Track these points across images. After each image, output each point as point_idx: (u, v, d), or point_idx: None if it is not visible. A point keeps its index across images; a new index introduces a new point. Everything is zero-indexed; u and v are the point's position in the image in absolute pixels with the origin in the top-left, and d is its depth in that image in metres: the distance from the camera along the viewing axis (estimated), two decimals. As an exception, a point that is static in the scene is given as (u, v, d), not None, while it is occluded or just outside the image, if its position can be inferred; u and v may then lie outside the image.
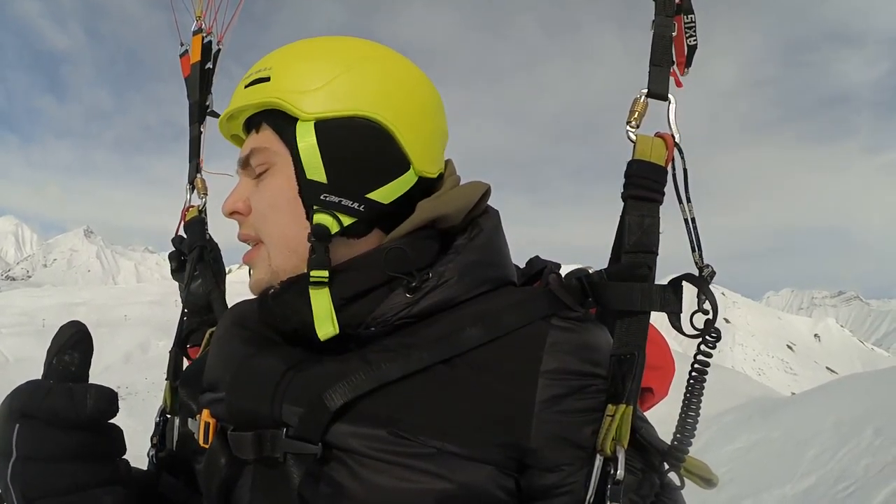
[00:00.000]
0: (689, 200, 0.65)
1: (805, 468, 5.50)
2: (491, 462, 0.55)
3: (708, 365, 0.58)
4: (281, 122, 0.64)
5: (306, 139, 0.62)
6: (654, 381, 0.96)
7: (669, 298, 0.57)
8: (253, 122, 0.68)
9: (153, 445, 0.80)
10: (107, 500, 0.57)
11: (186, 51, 1.19)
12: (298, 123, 0.63)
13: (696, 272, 0.61)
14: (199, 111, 1.13)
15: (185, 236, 1.10)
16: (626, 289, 0.59)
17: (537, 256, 0.83)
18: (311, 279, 0.60)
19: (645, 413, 1.01)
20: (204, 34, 1.17)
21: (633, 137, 0.65)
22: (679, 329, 0.58)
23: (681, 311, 0.57)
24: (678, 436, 0.57)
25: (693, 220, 0.66)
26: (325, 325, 0.59)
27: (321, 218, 0.62)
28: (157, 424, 0.82)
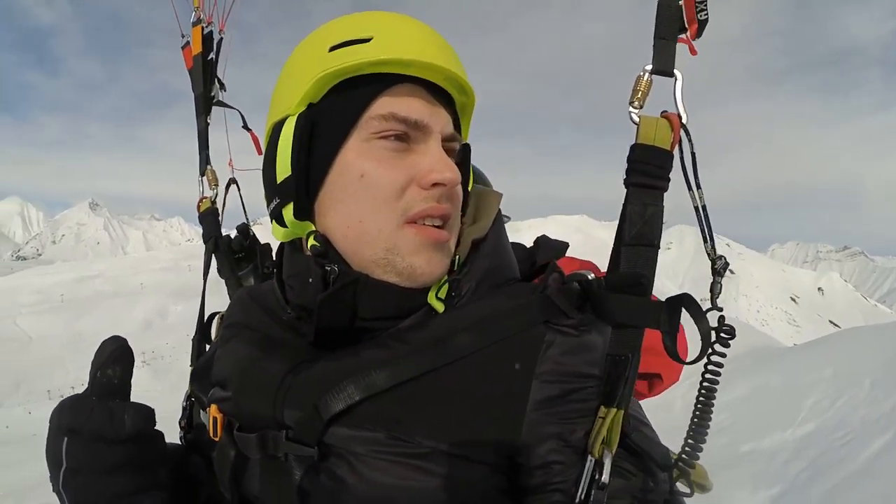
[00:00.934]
0: (699, 187, 0.61)
1: (804, 416, 5.64)
2: (484, 462, 0.56)
3: (719, 375, 0.56)
4: (455, 110, 0.69)
5: (470, 159, 0.71)
6: (662, 367, 0.92)
7: (664, 318, 0.55)
8: (442, 95, 0.66)
9: (182, 428, 0.83)
10: None
11: (188, 42, 1.16)
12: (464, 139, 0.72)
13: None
14: (205, 103, 1.12)
15: (235, 234, 1.11)
16: (623, 302, 0.57)
17: (544, 236, 0.83)
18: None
19: (655, 396, 1.00)
20: (204, 24, 1.15)
21: (636, 119, 0.60)
22: (671, 351, 0.55)
23: (676, 331, 0.55)
24: (690, 442, 0.56)
25: (704, 207, 0.61)
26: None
27: None
28: (183, 409, 0.84)
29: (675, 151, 0.60)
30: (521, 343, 0.60)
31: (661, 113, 0.62)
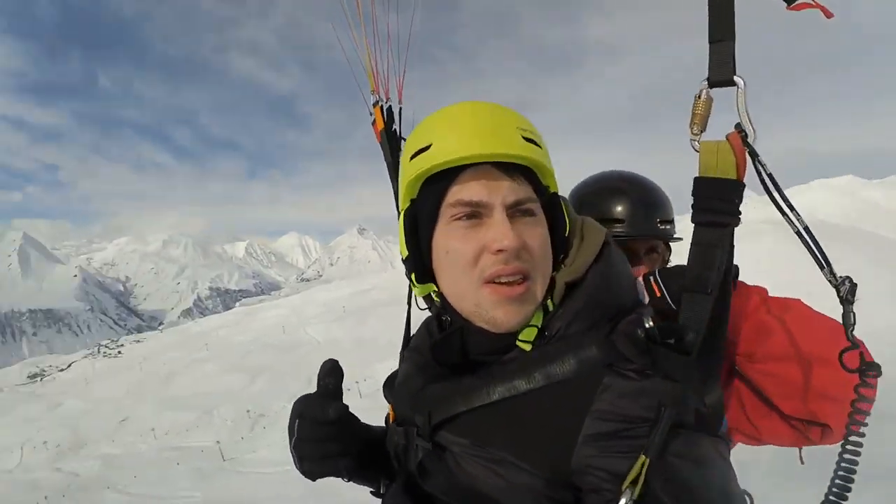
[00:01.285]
0: (792, 209, 0.54)
1: None
2: (539, 475, 0.70)
3: (865, 425, 0.53)
4: (537, 182, 0.81)
5: (561, 206, 0.83)
6: (833, 418, 0.78)
7: (697, 378, 0.59)
8: (513, 170, 0.78)
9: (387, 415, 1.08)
10: (341, 463, 0.90)
11: (375, 120, 1.42)
12: (551, 190, 0.83)
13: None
14: (395, 168, 1.34)
15: None
16: (665, 357, 0.64)
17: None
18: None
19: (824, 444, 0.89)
20: (383, 102, 1.40)
21: (697, 147, 0.57)
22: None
23: (701, 390, 0.59)
24: (832, 500, 0.55)
25: (807, 229, 0.53)
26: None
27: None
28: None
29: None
30: (582, 383, 0.70)
31: (735, 126, 0.55)
